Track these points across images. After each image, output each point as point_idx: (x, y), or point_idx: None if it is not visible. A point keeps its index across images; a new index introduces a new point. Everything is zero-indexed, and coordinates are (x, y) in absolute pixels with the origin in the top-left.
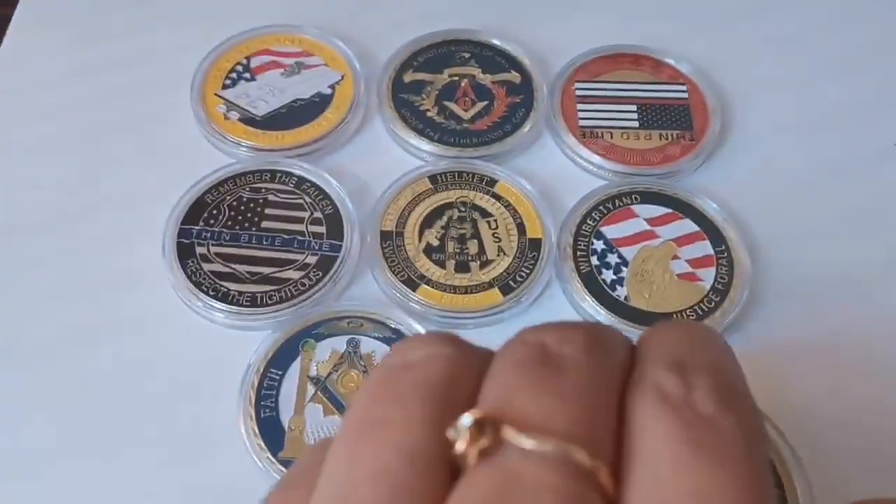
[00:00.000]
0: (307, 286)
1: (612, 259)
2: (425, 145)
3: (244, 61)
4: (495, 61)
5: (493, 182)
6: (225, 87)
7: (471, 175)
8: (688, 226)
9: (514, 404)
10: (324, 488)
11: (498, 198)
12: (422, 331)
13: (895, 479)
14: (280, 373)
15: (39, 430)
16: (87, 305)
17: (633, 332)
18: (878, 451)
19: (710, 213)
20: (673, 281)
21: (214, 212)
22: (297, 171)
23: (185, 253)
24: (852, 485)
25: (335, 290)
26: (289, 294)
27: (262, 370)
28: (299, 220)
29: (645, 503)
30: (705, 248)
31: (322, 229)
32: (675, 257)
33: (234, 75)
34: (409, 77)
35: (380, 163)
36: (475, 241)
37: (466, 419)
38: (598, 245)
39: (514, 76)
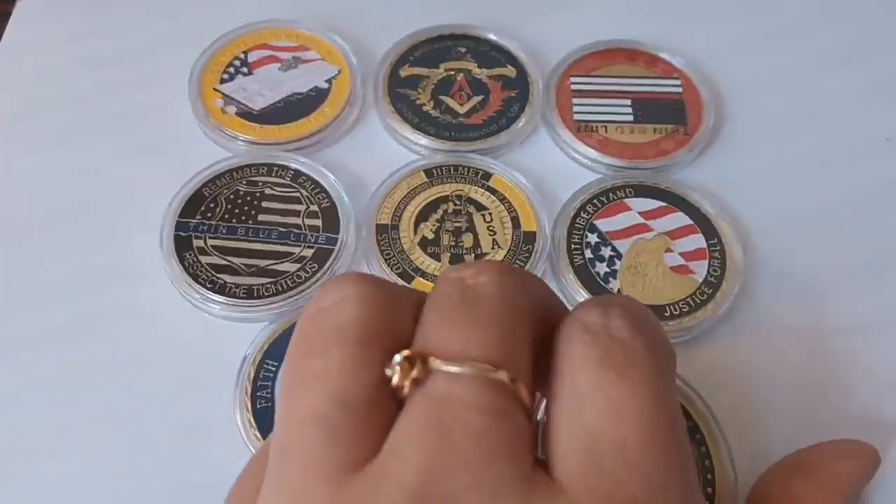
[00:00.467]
0: (303, 278)
1: (606, 252)
2: (421, 139)
3: (242, 56)
4: (491, 56)
5: (488, 176)
6: (223, 81)
7: (466, 169)
8: (681, 219)
9: (437, 337)
10: (270, 449)
11: (493, 191)
12: None
13: (881, 478)
14: (276, 364)
15: (35, 421)
16: (83, 298)
17: None
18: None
19: (704, 207)
20: (666, 273)
21: (212, 205)
22: (294, 165)
23: (182, 246)
24: None
25: None
26: (285, 286)
27: (258, 361)
28: (296, 214)
29: (566, 415)
30: (698, 241)
31: (318, 222)
32: (669, 250)
33: (231, 69)
34: (405, 72)
35: (376, 157)
36: (470, 234)
37: (398, 357)
38: (592, 238)
39: (510, 71)
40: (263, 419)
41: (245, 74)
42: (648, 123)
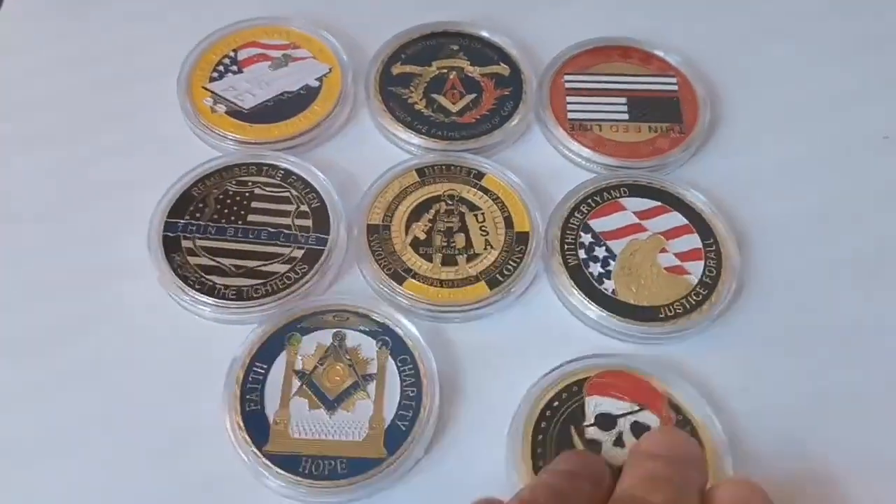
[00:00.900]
0: (293, 280)
1: (600, 252)
2: (413, 138)
3: (231, 54)
4: (484, 54)
5: (480, 175)
6: (212, 79)
7: (458, 168)
8: (676, 219)
9: None
10: None
11: (486, 191)
12: (409, 326)
13: (887, 468)
14: (265, 366)
15: (23, 422)
16: (72, 298)
17: (620, 326)
18: (861, 442)
19: (699, 206)
20: (660, 274)
21: (200, 205)
22: (284, 165)
23: (171, 246)
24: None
25: (321, 284)
26: (275, 288)
27: (247, 364)
28: (286, 214)
29: None
30: (693, 241)
31: (308, 223)
32: (664, 250)
33: (221, 68)
34: (397, 69)
35: (367, 156)
36: (462, 234)
37: None
38: (586, 238)
39: (503, 69)
40: (252, 422)
41: (235, 73)
42: (643, 122)
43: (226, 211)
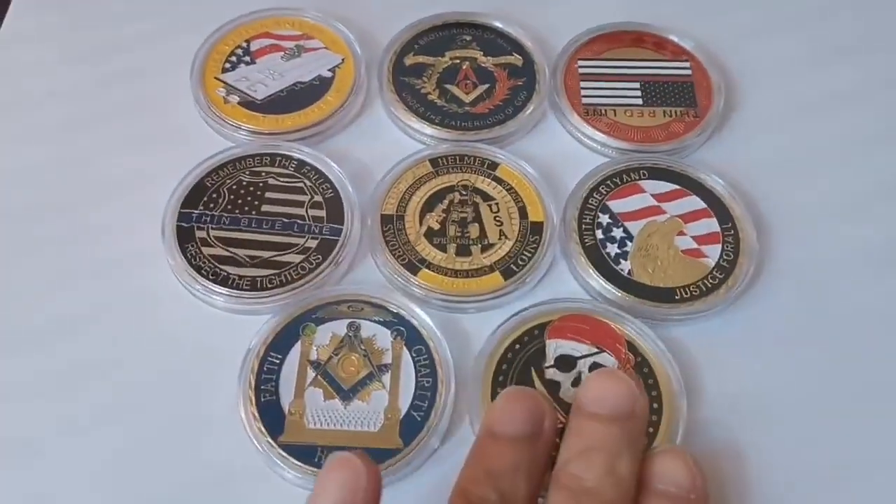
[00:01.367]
0: (307, 270)
1: (618, 233)
2: (426, 128)
3: (244, 44)
4: (497, 44)
5: (494, 165)
6: (225, 70)
7: (472, 158)
8: (694, 202)
9: None
10: None
11: (499, 181)
12: (424, 316)
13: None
14: (280, 357)
15: (39, 411)
16: (86, 289)
17: (638, 307)
18: (875, 428)
19: (717, 190)
20: (677, 256)
21: (214, 195)
22: (297, 155)
23: (185, 237)
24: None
25: (336, 274)
26: (289, 278)
27: (262, 354)
28: (299, 204)
29: None
30: (711, 224)
31: (322, 213)
32: (681, 233)
33: (233, 59)
34: (410, 60)
35: (380, 146)
36: (476, 224)
37: None
38: (604, 219)
39: (516, 59)
40: (267, 412)
41: (248, 63)
42: (658, 106)
43: (239, 201)
